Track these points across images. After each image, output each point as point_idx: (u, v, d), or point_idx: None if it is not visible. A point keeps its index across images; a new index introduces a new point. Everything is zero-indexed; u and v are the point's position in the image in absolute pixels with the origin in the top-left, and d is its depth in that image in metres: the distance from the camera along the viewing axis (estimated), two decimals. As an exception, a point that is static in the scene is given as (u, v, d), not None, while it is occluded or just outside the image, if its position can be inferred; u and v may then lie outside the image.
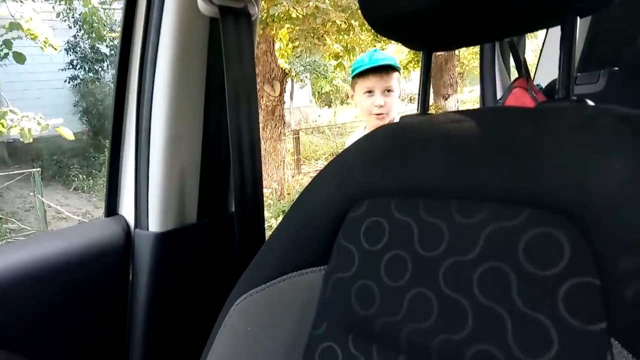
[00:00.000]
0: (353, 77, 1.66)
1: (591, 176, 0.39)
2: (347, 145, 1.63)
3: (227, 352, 0.60)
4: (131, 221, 0.81)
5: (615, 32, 1.35)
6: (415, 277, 0.47)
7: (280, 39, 5.32)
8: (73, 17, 8.72)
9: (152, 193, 0.77)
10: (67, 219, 5.86)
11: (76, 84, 9.74)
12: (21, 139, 3.69)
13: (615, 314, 0.36)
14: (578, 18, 0.50)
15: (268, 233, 0.67)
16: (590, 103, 0.49)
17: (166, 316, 0.79)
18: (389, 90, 1.61)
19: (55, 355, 0.71)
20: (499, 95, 1.53)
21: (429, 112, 0.65)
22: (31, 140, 3.69)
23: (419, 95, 0.66)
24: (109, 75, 10.29)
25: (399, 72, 1.65)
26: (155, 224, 0.77)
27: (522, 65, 1.42)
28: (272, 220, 4.84)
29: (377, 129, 0.61)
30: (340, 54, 5.67)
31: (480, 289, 0.42)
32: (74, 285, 0.73)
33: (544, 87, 1.49)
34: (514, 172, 0.43)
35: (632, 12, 1.39)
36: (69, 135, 3.84)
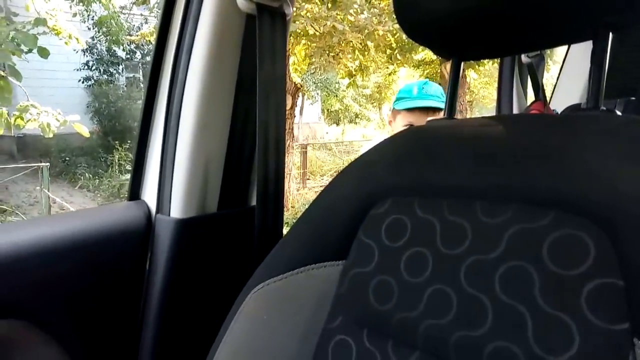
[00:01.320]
0: (397, 108, 1.64)
1: (620, 181, 0.39)
2: None
3: (241, 338, 0.60)
4: (153, 207, 0.82)
5: (632, 61, 1.36)
6: (436, 274, 0.47)
7: (296, 54, 5.39)
8: (92, 19, 8.88)
9: (177, 179, 0.78)
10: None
11: (90, 85, 9.87)
12: (41, 134, 3.71)
13: (638, 315, 0.36)
14: (610, 34, 0.50)
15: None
16: (619, 113, 0.50)
17: (181, 302, 0.79)
18: None
19: (70, 330, 0.71)
20: (515, 116, 1.55)
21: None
22: (52, 135, 3.72)
23: (446, 101, 0.68)
24: (123, 78, 10.42)
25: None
26: (176, 210, 0.78)
27: (539, 89, 1.43)
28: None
29: (402, 131, 0.62)
30: (354, 72, 5.74)
31: (502, 287, 0.42)
32: (92, 264, 0.73)
33: (559, 112, 1.50)
34: (540, 174, 0.44)
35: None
36: (85, 132, 3.87)
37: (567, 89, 1.74)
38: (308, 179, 8.15)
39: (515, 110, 1.56)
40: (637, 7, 0.48)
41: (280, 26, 0.80)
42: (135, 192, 0.85)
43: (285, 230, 0.69)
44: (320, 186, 7.71)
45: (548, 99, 1.64)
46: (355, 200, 0.56)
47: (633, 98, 1.40)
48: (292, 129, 5.97)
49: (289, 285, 0.58)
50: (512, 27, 0.55)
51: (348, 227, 0.56)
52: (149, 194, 0.84)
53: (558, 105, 1.58)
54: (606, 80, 0.53)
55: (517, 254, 0.42)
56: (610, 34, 0.50)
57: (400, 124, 1.62)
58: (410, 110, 1.58)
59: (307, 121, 12.98)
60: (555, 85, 1.80)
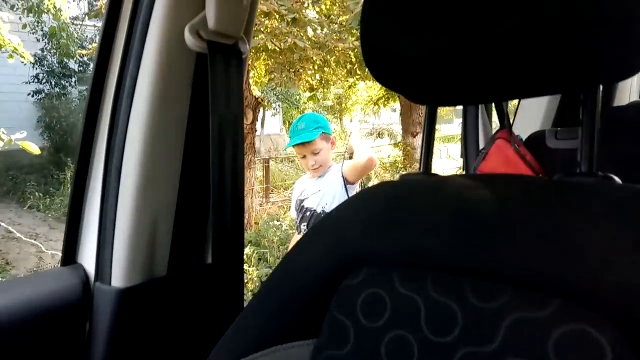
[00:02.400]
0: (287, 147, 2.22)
1: (635, 273, 0.34)
2: (298, 182, 1.99)
3: None
4: (92, 272, 0.71)
5: None
6: None
7: (256, 67, 5.31)
8: (42, 30, 8.51)
9: (118, 242, 0.69)
10: (19, 239, 5.53)
11: (40, 99, 9.43)
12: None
13: None
14: (600, 87, 0.46)
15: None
16: (617, 180, 0.45)
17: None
18: (316, 152, 2.07)
19: None
20: (481, 144, 1.52)
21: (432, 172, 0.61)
22: (-5, 155, 3.49)
23: (421, 152, 0.62)
24: (75, 91, 10.02)
25: (323, 131, 2.07)
26: (118, 278, 0.68)
27: (504, 116, 1.41)
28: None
29: (375, 187, 0.56)
30: (315, 87, 5.71)
31: None
32: (18, 345, 0.63)
33: (524, 138, 1.49)
34: (540, 254, 0.38)
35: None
36: (34, 150, 3.64)
37: (529, 114, 1.74)
38: (271, 193, 8.04)
39: (481, 138, 1.54)
40: (633, 59, 0.44)
41: (234, 65, 0.72)
42: (70, 255, 0.74)
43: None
44: (283, 200, 7.62)
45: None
46: (324, 270, 0.49)
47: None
48: (254, 143, 5.87)
49: None
50: (492, 74, 0.50)
51: (317, 300, 0.49)
52: (87, 256, 0.73)
53: (521, 131, 1.57)
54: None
55: (518, 349, 0.36)
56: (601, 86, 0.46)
57: (299, 156, 2.16)
58: (294, 145, 2.09)
59: (268, 132, 12.88)
60: (516, 110, 1.80)
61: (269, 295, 0.53)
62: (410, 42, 0.50)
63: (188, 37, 0.66)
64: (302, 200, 2.10)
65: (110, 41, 0.70)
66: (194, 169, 0.74)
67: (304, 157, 2.09)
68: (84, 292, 0.70)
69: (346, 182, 2.01)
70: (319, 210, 2.01)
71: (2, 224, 5.39)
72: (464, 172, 1.75)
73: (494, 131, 1.49)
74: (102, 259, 0.70)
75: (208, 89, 0.68)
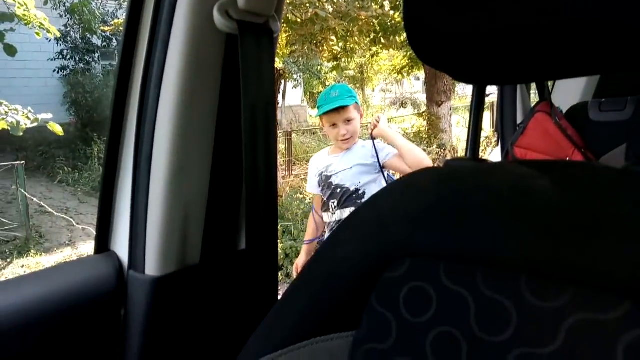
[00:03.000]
0: (319, 114, 2.03)
1: None
2: (317, 158, 2.00)
3: None
4: (125, 259, 0.71)
5: None
6: None
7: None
8: (64, 6, 8.53)
9: (151, 230, 0.67)
10: (50, 214, 5.69)
11: (66, 75, 9.53)
12: (10, 132, 3.56)
13: None
14: None
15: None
16: None
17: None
18: (349, 120, 1.96)
19: None
20: (518, 119, 1.46)
21: (480, 157, 0.57)
22: (21, 133, 3.57)
23: (468, 136, 0.58)
24: (99, 66, 10.09)
25: (356, 101, 2.00)
26: (152, 266, 0.67)
27: (544, 88, 1.34)
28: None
29: (419, 175, 0.52)
30: (339, 56, 5.60)
31: None
32: (54, 336, 0.62)
33: (564, 110, 1.42)
34: (608, 253, 0.35)
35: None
36: (59, 131, 3.71)
37: (569, 85, 1.65)
38: (294, 166, 8.04)
39: (519, 112, 1.47)
40: None
41: (266, 45, 0.68)
42: (103, 243, 0.73)
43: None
44: (305, 173, 7.61)
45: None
46: (363, 260, 0.47)
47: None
48: (276, 116, 5.83)
49: None
50: (542, 52, 0.46)
51: (357, 292, 0.46)
52: (120, 244, 0.72)
53: (561, 103, 1.50)
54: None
55: (581, 353, 0.33)
56: None
57: (327, 126, 2.01)
58: (325, 113, 1.96)
59: (290, 104, 12.80)
60: (554, 82, 1.71)
61: (305, 286, 0.51)
62: (456, 19, 0.46)
63: (217, 17, 0.62)
64: (329, 177, 2.06)
65: (136, 24, 0.67)
66: (226, 154, 0.72)
67: (334, 126, 1.97)
68: (118, 280, 0.69)
69: (383, 168, 1.95)
70: (352, 188, 1.97)
71: (34, 199, 5.53)
72: (498, 147, 1.68)
73: (532, 104, 1.42)
74: (135, 248, 0.69)
75: (239, 72, 0.65)
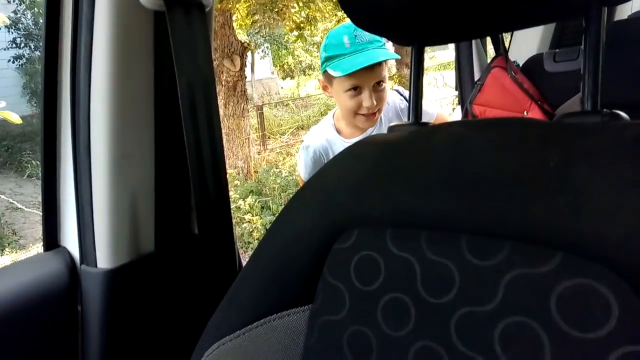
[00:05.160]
0: (331, 72, 1.18)
1: None
2: (314, 137, 1.30)
3: None
4: (76, 255, 0.69)
5: None
6: (421, 328, 0.39)
7: (238, 9, 5.07)
8: (11, -9, 8.12)
9: (99, 222, 0.65)
10: (21, 210, 5.56)
11: (22, 64, 9.15)
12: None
13: None
14: (605, 9, 0.41)
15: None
16: (624, 116, 0.41)
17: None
18: (380, 83, 1.18)
19: None
20: (476, 76, 1.46)
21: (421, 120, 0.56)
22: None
23: (409, 98, 0.57)
24: (57, 52, 9.70)
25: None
26: (104, 259, 0.66)
27: (499, 43, 1.34)
28: (240, 202, 4.72)
29: (362, 143, 0.52)
30: (302, 25, 5.49)
31: (503, 349, 0.34)
32: (7, 339, 0.61)
33: (520, 64, 1.42)
34: (540, 206, 0.35)
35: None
36: (16, 119, 3.56)
37: (524, 38, 1.65)
38: (268, 140, 7.96)
39: (476, 68, 1.47)
40: None
41: (198, 20, 0.65)
42: (52, 239, 0.71)
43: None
44: (281, 146, 7.56)
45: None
46: (315, 234, 0.47)
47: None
48: (245, 90, 5.72)
49: (249, 342, 0.49)
50: (484, 6, 0.45)
51: (310, 266, 0.47)
52: (70, 238, 0.70)
53: (517, 56, 1.50)
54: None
55: (518, 307, 0.34)
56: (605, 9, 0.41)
57: (341, 91, 1.20)
58: (351, 73, 1.14)
59: (259, 77, 12.58)
60: (511, 35, 1.71)
61: (261, 265, 0.52)
62: None
63: (141, -7, 0.59)
64: None
65: (57, 8, 0.63)
66: (169, 137, 0.70)
67: (354, 91, 1.18)
68: (71, 276, 0.67)
69: None
70: None
71: (3, 196, 5.39)
72: (459, 107, 1.69)
73: (489, 60, 1.42)
74: (85, 241, 0.67)
75: (171, 50, 0.62)
